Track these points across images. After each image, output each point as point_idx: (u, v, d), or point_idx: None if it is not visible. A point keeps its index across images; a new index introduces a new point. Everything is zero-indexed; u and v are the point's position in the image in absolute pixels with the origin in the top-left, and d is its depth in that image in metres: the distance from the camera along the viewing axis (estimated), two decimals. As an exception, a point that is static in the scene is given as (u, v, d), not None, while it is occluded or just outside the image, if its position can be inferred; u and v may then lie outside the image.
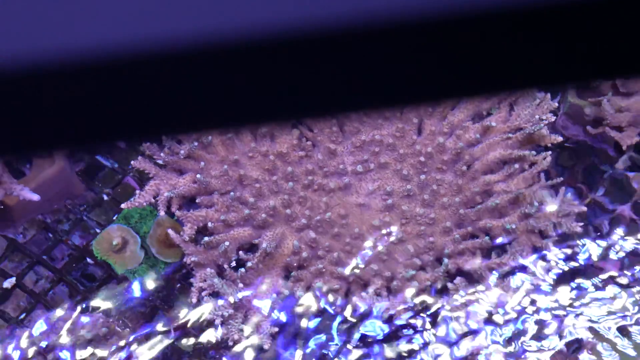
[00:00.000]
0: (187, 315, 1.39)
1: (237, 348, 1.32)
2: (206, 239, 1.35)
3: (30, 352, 1.36)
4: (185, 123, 0.32)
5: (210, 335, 1.33)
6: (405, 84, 0.32)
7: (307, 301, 1.34)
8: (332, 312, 1.34)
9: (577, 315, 1.36)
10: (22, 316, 1.44)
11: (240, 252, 1.35)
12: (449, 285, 1.35)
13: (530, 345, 1.34)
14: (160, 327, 1.40)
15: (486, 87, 0.33)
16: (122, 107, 0.30)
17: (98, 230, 1.52)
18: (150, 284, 1.43)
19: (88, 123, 0.32)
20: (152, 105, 0.30)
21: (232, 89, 0.31)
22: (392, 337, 1.33)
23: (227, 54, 0.30)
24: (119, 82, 0.30)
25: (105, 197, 1.56)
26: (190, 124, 0.32)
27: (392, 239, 1.37)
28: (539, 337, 1.35)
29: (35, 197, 1.41)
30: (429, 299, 1.33)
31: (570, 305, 1.37)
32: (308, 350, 1.33)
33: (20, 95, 0.30)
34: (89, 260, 1.50)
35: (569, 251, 1.40)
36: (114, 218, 1.50)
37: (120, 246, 1.46)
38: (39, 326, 1.38)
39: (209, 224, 1.36)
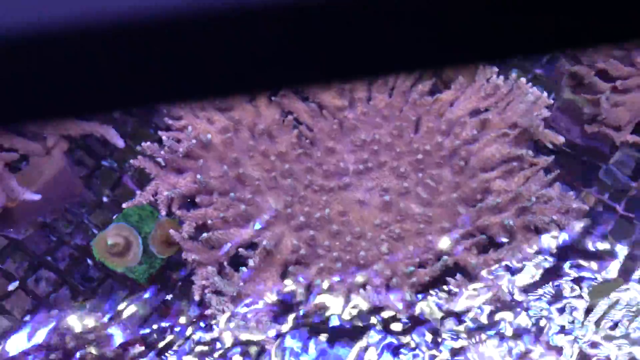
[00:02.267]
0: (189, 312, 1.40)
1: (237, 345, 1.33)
2: (205, 235, 1.36)
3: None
4: (172, 93, 0.33)
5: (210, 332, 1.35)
6: (369, 53, 0.32)
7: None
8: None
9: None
10: (27, 317, 1.46)
11: (240, 249, 1.37)
12: (451, 281, 1.36)
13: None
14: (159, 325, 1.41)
15: (438, 58, 0.34)
16: (107, 76, 0.31)
17: (95, 232, 1.53)
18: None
19: (84, 91, 0.33)
20: (125, 74, 0.31)
21: (219, 57, 0.32)
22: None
23: (213, 21, 0.31)
24: (107, 50, 0.31)
25: (105, 199, 1.58)
26: (179, 93, 0.33)
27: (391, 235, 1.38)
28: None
29: (37, 197, 1.42)
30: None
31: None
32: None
33: (13, 64, 0.31)
34: (89, 261, 1.51)
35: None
36: (114, 217, 1.52)
37: (120, 248, 1.46)
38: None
39: (209, 221, 1.38)
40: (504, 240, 1.38)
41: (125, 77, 0.32)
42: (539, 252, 1.38)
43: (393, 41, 0.32)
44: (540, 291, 1.37)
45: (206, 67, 0.33)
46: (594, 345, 1.33)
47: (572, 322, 1.35)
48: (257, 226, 1.37)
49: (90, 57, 0.31)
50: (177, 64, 0.32)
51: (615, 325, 1.35)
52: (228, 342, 1.34)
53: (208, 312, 1.33)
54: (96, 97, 0.33)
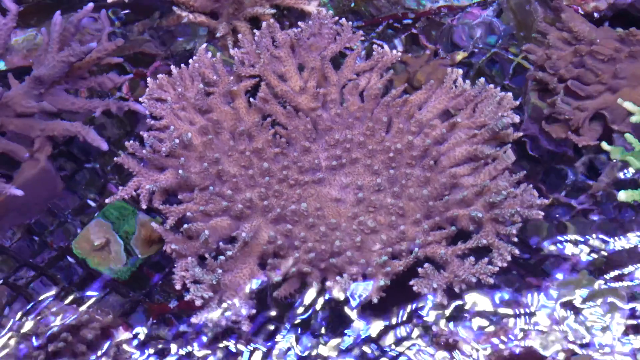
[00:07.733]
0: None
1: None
2: (185, 226, 1.40)
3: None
4: None
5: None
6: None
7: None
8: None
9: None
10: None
11: (220, 243, 1.41)
12: (419, 270, 1.40)
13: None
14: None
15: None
16: None
17: (79, 230, 1.57)
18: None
19: None
20: None
21: None
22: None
23: None
24: None
25: (90, 202, 1.62)
26: None
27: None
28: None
29: (19, 192, 1.46)
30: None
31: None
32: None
33: None
34: (70, 259, 1.55)
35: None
36: (95, 215, 1.55)
37: (102, 245, 1.50)
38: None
39: (188, 214, 1.42)
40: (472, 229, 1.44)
41: None
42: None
43: None
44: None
45: None
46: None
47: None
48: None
49: None
50: None
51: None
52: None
53: (187, 297, 1.37)
54: None
